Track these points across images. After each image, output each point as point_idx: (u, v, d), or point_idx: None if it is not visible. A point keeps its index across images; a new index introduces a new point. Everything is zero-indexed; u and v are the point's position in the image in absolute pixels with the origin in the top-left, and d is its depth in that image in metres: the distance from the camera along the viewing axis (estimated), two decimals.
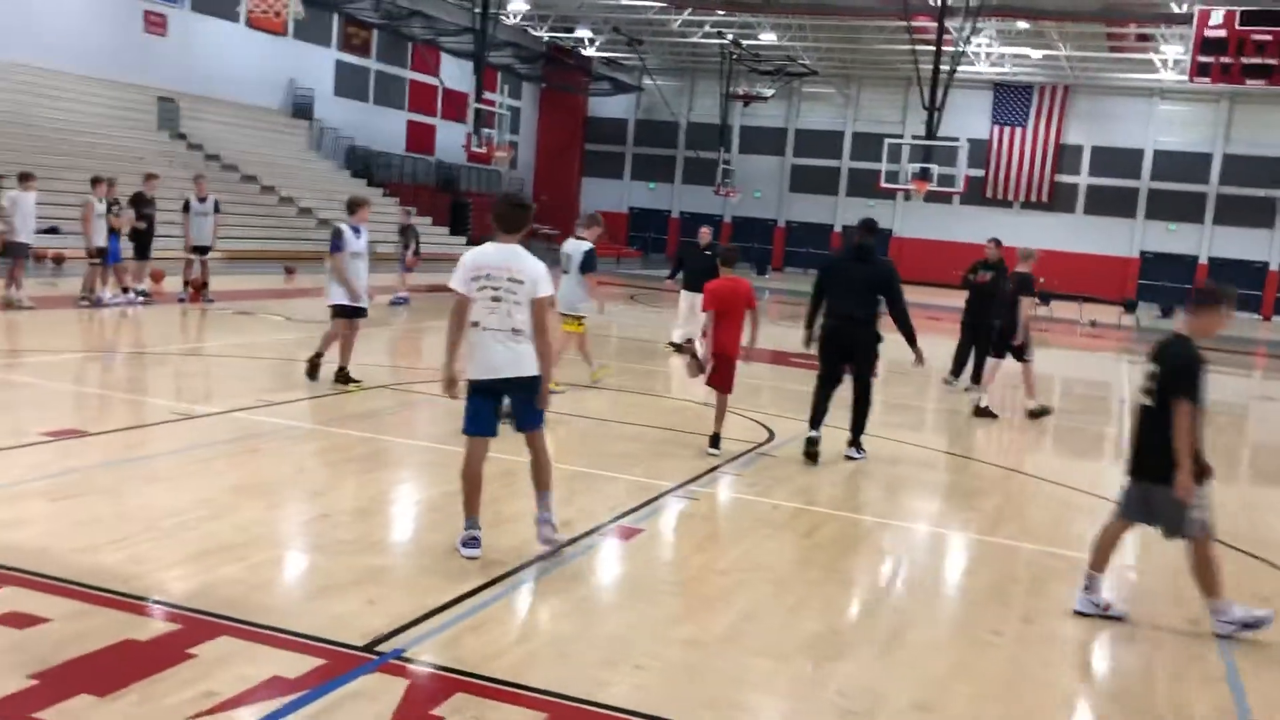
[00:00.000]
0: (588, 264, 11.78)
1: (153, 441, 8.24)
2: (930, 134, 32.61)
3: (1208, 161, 47.89)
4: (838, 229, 52.56)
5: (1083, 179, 49.63)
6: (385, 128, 44.39)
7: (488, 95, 33.51)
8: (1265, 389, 21.33)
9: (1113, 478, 9.37)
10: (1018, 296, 12.78)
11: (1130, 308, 37.20)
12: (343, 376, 10.91)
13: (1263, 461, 13.14)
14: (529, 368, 6.11)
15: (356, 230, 10.78)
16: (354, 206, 11.03)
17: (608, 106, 55.78)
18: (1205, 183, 47.98)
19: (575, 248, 11.83)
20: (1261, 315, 46.80)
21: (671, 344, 16.57)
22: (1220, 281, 6.25)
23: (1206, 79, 29.21)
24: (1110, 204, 49.18)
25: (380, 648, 4.80)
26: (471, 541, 6.13)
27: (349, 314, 10.92)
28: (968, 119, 49.73)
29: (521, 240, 6.22)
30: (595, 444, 9.59)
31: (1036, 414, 13.02)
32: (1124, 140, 48.76)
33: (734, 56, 45.88)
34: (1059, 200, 49.74)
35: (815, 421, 9.49)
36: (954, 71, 34.25)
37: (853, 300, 9.38)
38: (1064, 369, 21.23)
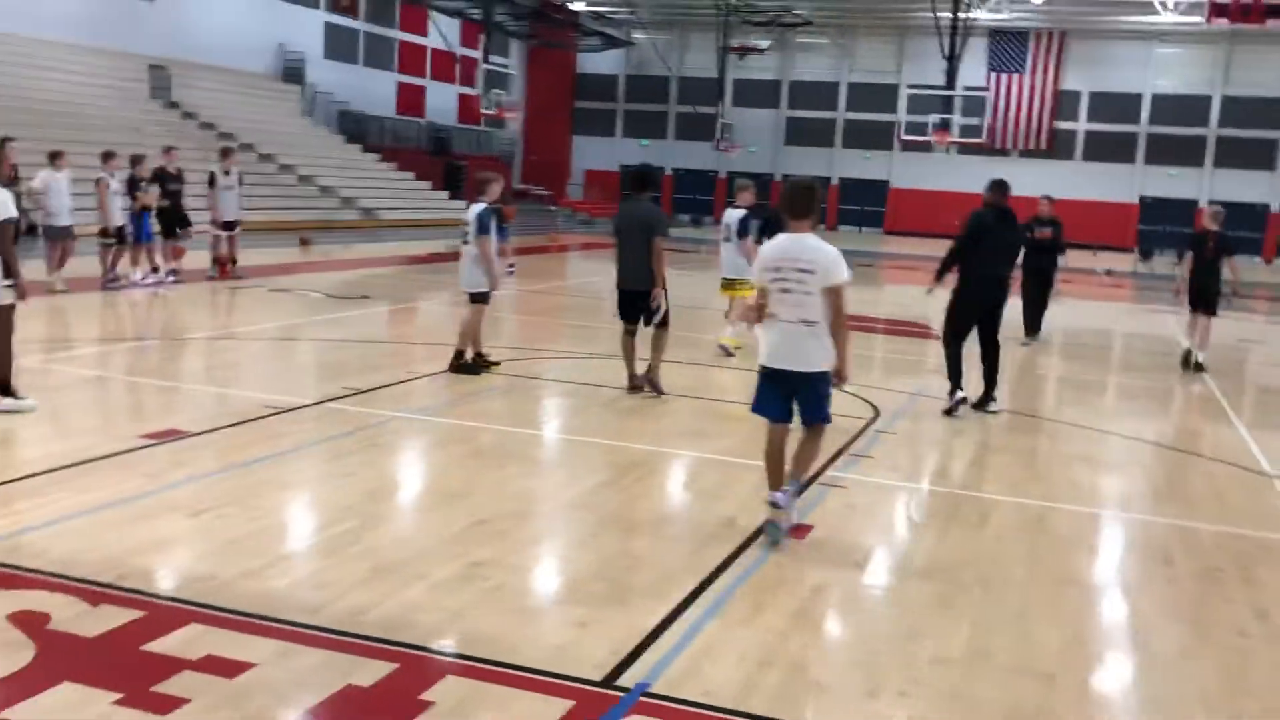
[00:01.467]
0: (743, 229, 12.38)
1: (259, 440, 7.73)
2: (950, 84, 32.02)
3: (1207, 104, 47.53)
4: (835, 181, 52.02)
5: (1081, 125, 49.20)
6: (376, 90, 43.45)
7: (476, 54, 32.58)
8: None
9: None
10: (1222, 255, 13.65)
11: (1146, 255, 36.88)
12: (481, 362, 10.54)
13: None
14: (815, 363, 6.00)
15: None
16: (485, 185, 10.42)
17: (598, 62, 54.86)
18: (1205, 126, 47.64)
19: (732, 216, 12.59)
20: (1263, 258, 46.67)
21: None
22: None
23: (1224, 19, 28.75)
24: (1109, 150, 48.77)
25: (620, 682, 4.36)
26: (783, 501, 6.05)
27: (486, 299, 10.48)
28: (965, 68, 49.13)
29: (812, 225, 6.07)
30: (715, 424, 9.17)
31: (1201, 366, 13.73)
32: (1122, 85, 48.32)
33: (728, 8, 45.07)
34: (1058, 148, 49.29)
35: (957, 380, 9.91)
36: (968, 20, 33.62)
37: (1001, 260, 10.01)
38: (1121, 324, 20.89)
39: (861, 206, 52.32)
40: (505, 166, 52.65)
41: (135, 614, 4.70)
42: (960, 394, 9.92)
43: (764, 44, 48.53)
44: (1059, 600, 5.65)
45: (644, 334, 9.94)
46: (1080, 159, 49.10)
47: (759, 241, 10.32)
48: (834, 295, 5.92)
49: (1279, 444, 9.83)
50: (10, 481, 6.41)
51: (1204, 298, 13.80)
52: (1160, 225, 47.76)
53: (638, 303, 9.94)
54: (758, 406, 6.21)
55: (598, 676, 4.40)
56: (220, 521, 5.98)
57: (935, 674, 4.64)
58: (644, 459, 7.96)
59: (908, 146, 50.79)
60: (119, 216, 15.28)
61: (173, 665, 4.26)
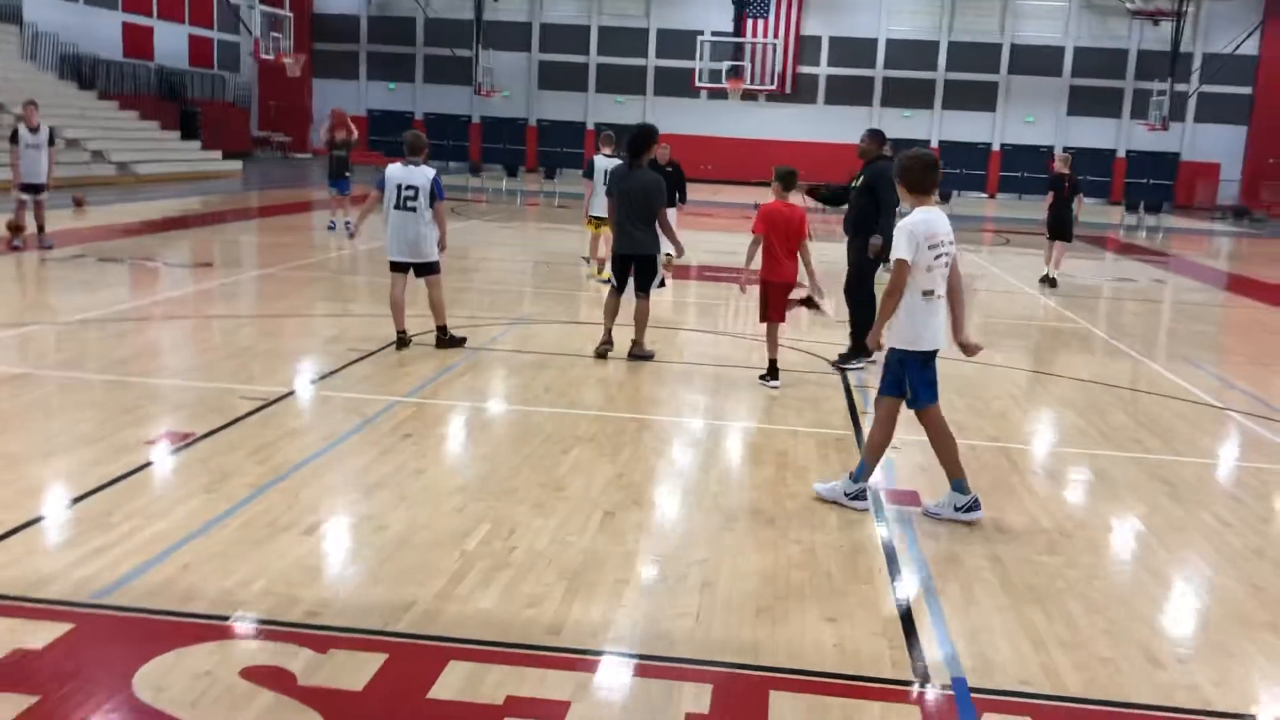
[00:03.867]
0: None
1: (281, 437, 6.98)
2: (738, 31, 32.45)
3: (936, 49, 50.45)
4: (590, 126, 51.97)
5: (822, 70, 51.15)
6: (100, 30, 39.69)
7: None
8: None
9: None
10: (1075, 193, 17.52)
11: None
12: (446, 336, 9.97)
13: None
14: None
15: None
16: (421, 147, 9.62)
17: (336, 2, 52.26)
18: (934, 70, 50.59)
19: (608, 163, 12.81)
20: (987, 193, 50.34)
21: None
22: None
23: None
24: (849, 93, 51.02)
25: (938, 681, 4.26)
26: (977, 505, 6.00)
27: (439, 269, 10.03)
28: (713, 11, 50.15)
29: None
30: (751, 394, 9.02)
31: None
32: (859, 30, 50.53)
33: None
34: (801, 91, 51.10)
35: None
36: None
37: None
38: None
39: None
40: (242, 111, 49.63)
41: (377, 656, 4.17)
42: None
43: None
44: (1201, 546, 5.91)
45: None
46: (822, 103, 51.07)
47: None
48: (956, 268, 6.05)
49: (1191, 375, 10.61)
50: (59, 511, 5.53)
51: (1060, 228, 17.51)
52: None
53: (630, 267, 9.70)
54: (930, 393, 6.02)
55: (914, 678, 4.26)
56: (345, 536, 5.40)
57: (1202, 635, 4.77)
58: (710, 434, 7.73)
59: (660, 91, 51.48)
60: None
61: (487, 715, 3.81)
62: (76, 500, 5.67)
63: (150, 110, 37.79)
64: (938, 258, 5.82)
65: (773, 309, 9.08)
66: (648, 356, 9.80)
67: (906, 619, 4.76)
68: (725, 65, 46.40)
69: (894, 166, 6.08)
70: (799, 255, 9.05)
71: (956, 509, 5.94)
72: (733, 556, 5.39)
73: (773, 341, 9.14)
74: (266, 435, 7.01)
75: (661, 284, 9.64)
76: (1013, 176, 50.48)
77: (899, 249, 5.80)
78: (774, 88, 46.27)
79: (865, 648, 4.47)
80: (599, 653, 4.31)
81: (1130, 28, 48.70)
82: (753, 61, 46.36)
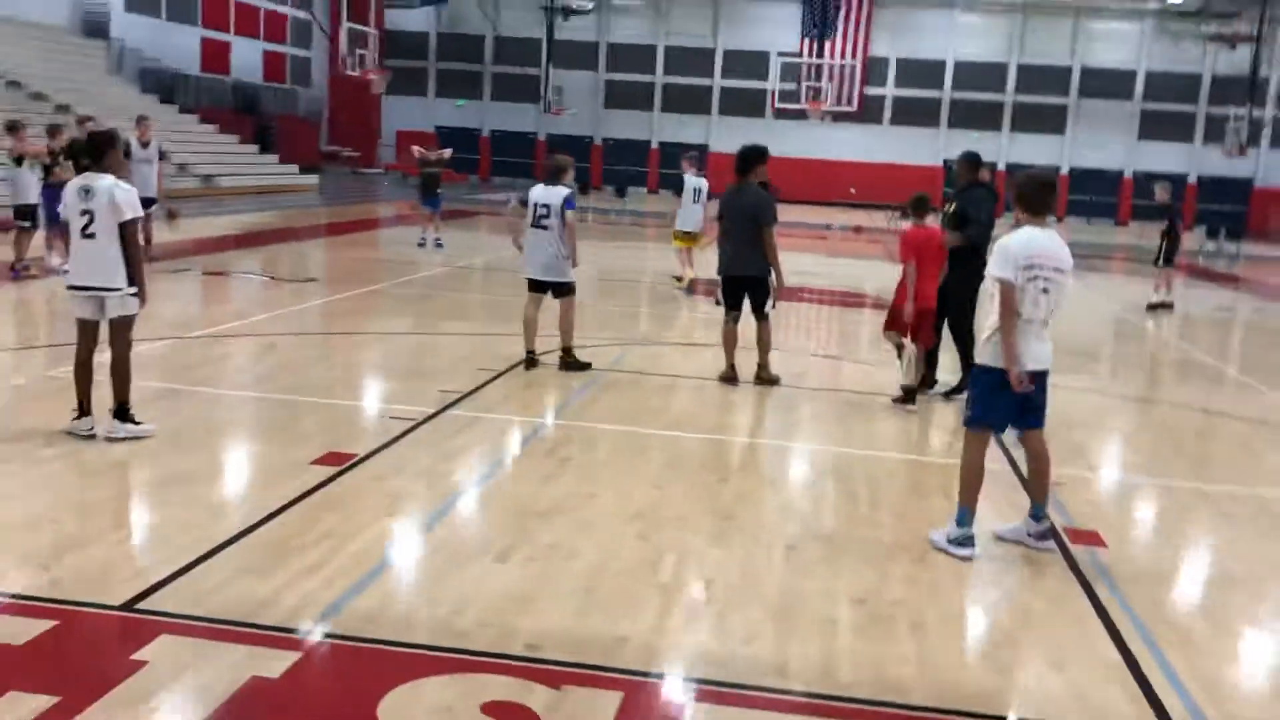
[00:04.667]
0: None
1: (443, 462, 6.96)
2: (819, 50, 32.38)
3: (1004, 71, 50.11)
4: (654, 145, 52.13)
5: (889, 90, 50.92)
6: (181, 45, 40.36)
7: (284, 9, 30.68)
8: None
9: None
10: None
11: (905, 213, 38.54)
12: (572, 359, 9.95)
13: None
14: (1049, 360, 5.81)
15: None
16: (561, 171, 9.69)
17: (408, 19, 52.79)
18: (1002, 92, 50.23)
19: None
20: (1056, 216, 49.77)
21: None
22: None
23: None
24: (915, 114, 50.75)
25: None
26: (969, 541, 5.75)
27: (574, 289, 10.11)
28: (776, 33, 50.18)
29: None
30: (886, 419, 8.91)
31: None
32: (927, 52, 50.29)
33: None
34: (868, 111, 50.88)
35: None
36: None
37: None
38: None
39: (679, 171, 52.51)
40: (312, 126, 50.22)
41: (612, 694, 4.11)
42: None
43: (589, 5, 47.91)
44: None
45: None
46: (888, 124, 50.83)
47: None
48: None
49: None
50: (249, 533, 5.52)
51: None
52: None
53: (744, 289, 9.59)
54: (981, 414, 5.85)
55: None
56: (538, 564, 5.33)
57: None
58: (861, 463, 7.63)
59: (725, 111, 51.53)
60: (33, 194, 13.57)
61: None
62: (263, 521, 5.66)
63: (228, 124, 38.33)
64: (1031, 279, 5.56)
65: (924, 333, 9.01)
66: (775, 381, 9.70)
67: (1138, 673, 4.61)
68: (794, 85, 46.39)
69: (1012, 186, 5.86)
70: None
71: (950, 540, 5.75)
72: (930, 596, 5.27)
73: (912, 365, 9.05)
74: (427, 457, 7.00)
75: (773, 307, 9.52)
76: (1080, 200, 49.92)
77: (994, 267, 5.63)
78: (854, 109, 46.10)
79: (1098, 696, 4.34)
80: (834, 698, 4.21)
81: (1205, 52, 48.05)
82: (819, 82, 46.25)
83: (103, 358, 6.90)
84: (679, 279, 16.29)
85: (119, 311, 6.90)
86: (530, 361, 9.75)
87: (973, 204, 9.34)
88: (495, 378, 9.42)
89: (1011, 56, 49.78)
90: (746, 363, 9.79)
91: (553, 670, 4.27)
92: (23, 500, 5.77)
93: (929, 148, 50.83)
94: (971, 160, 9.69)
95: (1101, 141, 49.47)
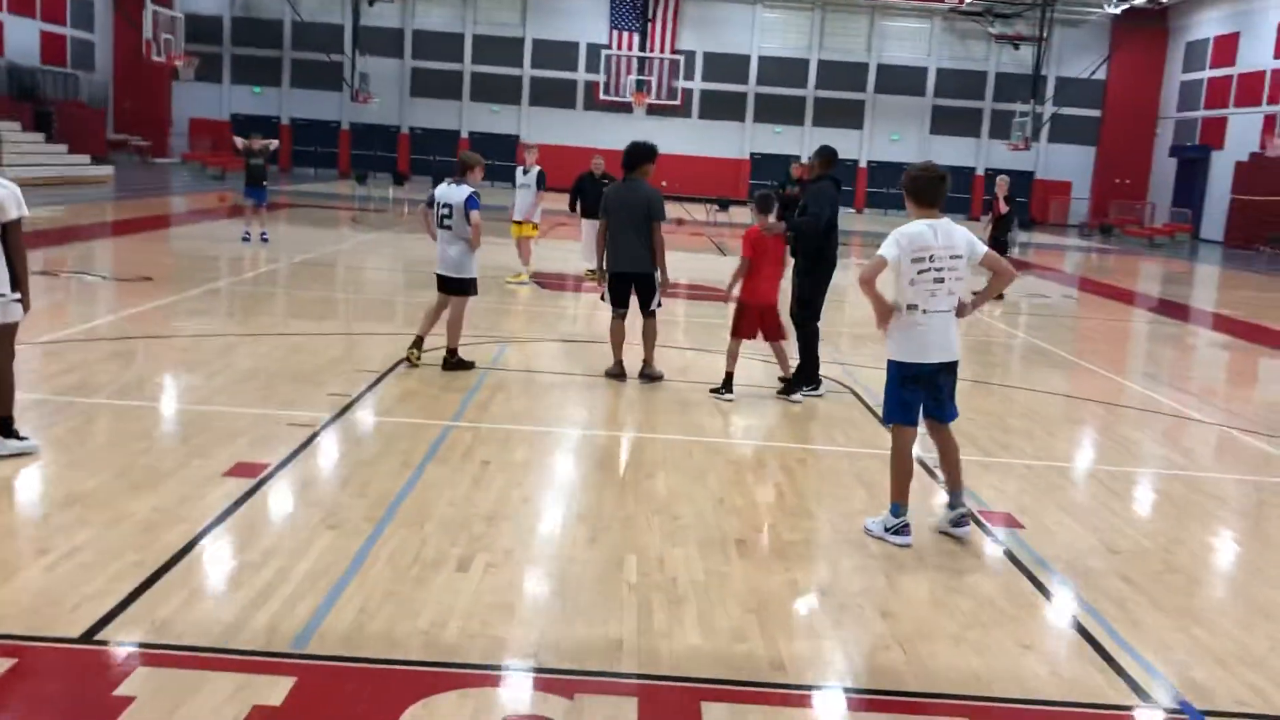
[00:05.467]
0: (540, 183, 16.01)
1: (362, 468, 6.74)
2: (644, 45, 32.53)
3: (805, 66, 51.69)
4: (464, 135, 51.54)
5: (697, 84, 51.78)
6: None
7: None
8: None
9: None
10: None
11: (724, 205, 39.54)
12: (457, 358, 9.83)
13: None
14: (958, 350, 6.04)
15: None
16: (470, 167, 9.54)
17: (200, 2, 50.41)
18: (804, 87, 51.82)
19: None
20: (854, 208, 51.77)
21: (590, 271, 16.94)
22: None
23: None
24: (722, 108, 51.80)
25: (1161, 704, 4.42)
26: (905, 529, 5.97)
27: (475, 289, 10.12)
28: (585, 24, 50.36)
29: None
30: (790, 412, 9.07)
31: None
32: (732, 47, 51.38)
33: None
34: (662, 105, 51.56)
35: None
36: None
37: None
38: None
39: (494, 160, 52.01)
40: (96, 112, 47.37)
41: (627, 700, 4.11)
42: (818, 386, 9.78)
43: None
44: None
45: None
46: (696, 117, 51.72)
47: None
48: (988, 261, 5.95)
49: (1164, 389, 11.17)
50: (185, 553, 5.23)
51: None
52: (769, 180, 51.52)
53: (630, 286, 9.63)
54: (900, 414, 6.00)
55: (1135, 700, 4.40)
56: (504, 571, 5.25)
57: None
58: (775, 456, 7.77)
59: (536, 101, 51.40)
60: None
61: None
62: (196, 540, 5.37)
63: (4, 110, 35.73)
64: (922, 272, 5.74)
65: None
66: (658, 377, 9.78)
67: (1094, 643, 4.89)
68: (603, 77, 46.71)
69: (903, 176, 6.04)
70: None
71: (887, 529, 5.99)
72: (890, 586, 5.44)
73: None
74: (343, 465, 6.78)
75: (659, 304, 9.60)
76: (878, 193, 52.02)
77: (883, 246, 5.84)
78: (678, 103, 46.63)
79: (1071, 673, 4.58)
80: (844, 689, 4.31)
81: (989, 51, 50.83)
82: (632, 74, 46.63)
83: None
84: (518, 276, 16.21)
85: (1, 320, 6.39)
86: (417, 343, 9.56)
87: (813, 197, 9.57)
88: (379, 379, 9.18)
89: (812, 52, 51.40)
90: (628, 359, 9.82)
91: (559, 680, 4.22)
92: None
93: (736, 141, 52.03)
94: (824, 155, 9.82)
95: (897, 136, 51.65)
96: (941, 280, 5.81)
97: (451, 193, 9.48)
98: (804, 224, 9.53)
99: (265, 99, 51.61)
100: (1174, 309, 20.30)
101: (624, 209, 9.45)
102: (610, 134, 49.46)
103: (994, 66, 51.04)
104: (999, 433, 8.81)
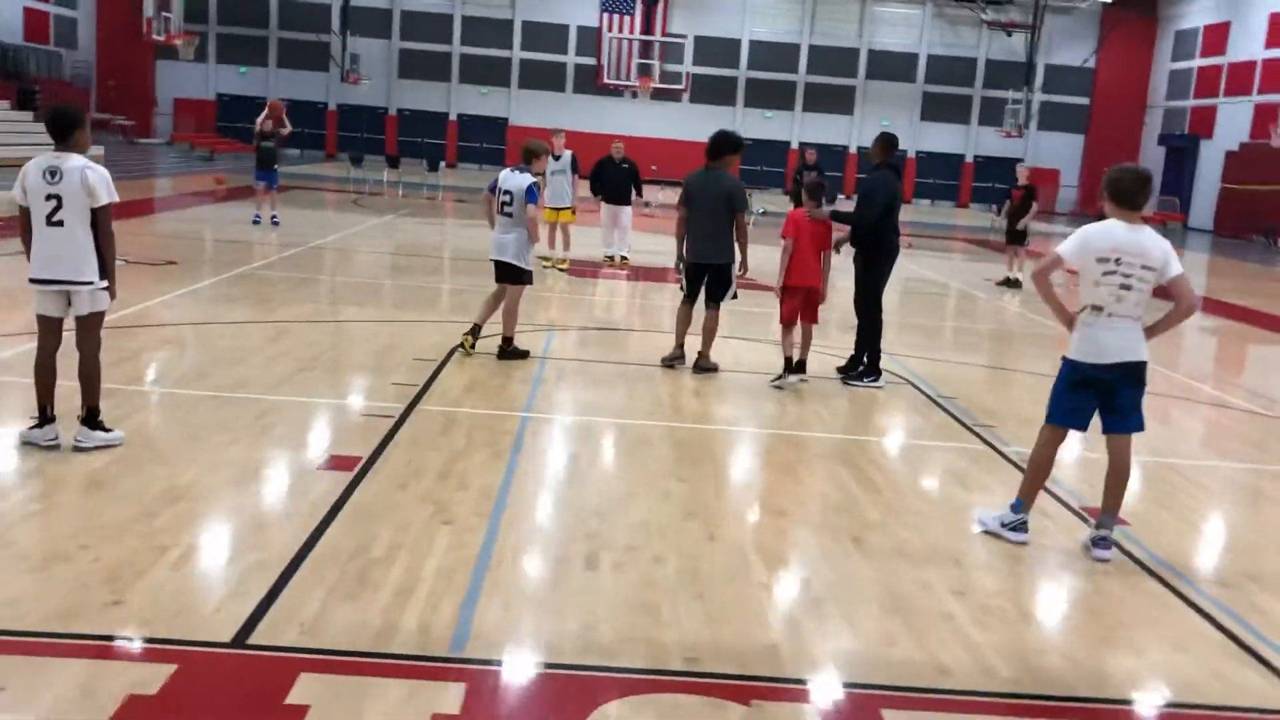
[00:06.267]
0: (574, 167, 16.10)
1: (455, 461, 6.58)
2: (648, 28, 32.26)
3: (796, 51, 51.54)
4: (453, 118, 51.21)
5: (687, 68, 51.50)
6: None
7: None
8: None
9: None
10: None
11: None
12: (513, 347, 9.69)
13: None
14: (1143, 350, 5.67)
15: None
16: (534, 156, 9.46)
17: None
18: (795, 72, 51.70)
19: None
20: (844, 194, 51.69)
21: (609, 257, 17.25)
22: None
23: None
24: (713, 92, 51.58)
25: None
26: (1023, 526, 5.87)
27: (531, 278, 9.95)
28: (575, 6, 50.03)
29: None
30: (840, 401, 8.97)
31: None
32: (723, 31, 51.15)
33: None
34: (663, 89, 51.34)
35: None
36: None
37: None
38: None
39: (481, 144, 51.84)
40: (80, 91, 46.69)
41: (801, 706, 4.01)
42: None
43: None
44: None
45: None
46: (688, 101, 51.47)
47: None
48: (1177, 285, 5.65)
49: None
50: (307, 551, 5.09)
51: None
52: (758, 165, 51.46)
53: (706, 276, 9.52)
54: (1058, 415, 5.84)
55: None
56: (635, 569, 5.13)
57: None
58: (847, 451, 7.68)
59: (525, 84, 51.08)
60: None
61: None
62: (315, 537, 5.23)
63: None
64: (1107, 274, 5.50)
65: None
66: (713, 369, 9.67)
67: (1240, 643, 4.83)
68: (593, 60, 46.40)
69: (1106, 176, 5.80)
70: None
71: (1004, 524, 5.90)
72: (1022, 587, 5.37)
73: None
74: (436, 458, 6.63)
75: (735, 295, 9.51)
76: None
77: (1063, 245, 5.66)
78: (682, 87, 46.36)
79: (1233, 675, 4.52)
80: (1004, 695, 4.23)
81: (980, 37, 50.82)
82: (629, 58, 46.37)
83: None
84: (550, 260, 16.03)
85: (89, 308, 6.22)
86: (474, 331, 9.42)
87: (867, 186, 9.54)
88: (439, 369, 9.03)
89: (803, 37, 51.21)
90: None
91: (731, 685, 4.12)
92: (28, 524, 5.14)
93: (726, 126, 51.72)
94: (885, 141, 9.77)
95: (887, 122, 51.61)
96: (1129, 288, 5.52)
97: (513, 179, 9.33)
98: (853, 218, 9.48)
99: (251, 79, 50.99)
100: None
101: (705, 199, 9.33)
102: (601, 118, 49.32)
103: (985, 53, 51.02)
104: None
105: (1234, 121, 42.84)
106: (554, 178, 15.94)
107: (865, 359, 9.63)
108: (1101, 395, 5.68)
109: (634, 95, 49.22)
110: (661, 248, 20.36)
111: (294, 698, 3.78)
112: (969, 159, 51.74)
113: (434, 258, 17.84)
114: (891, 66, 51.39)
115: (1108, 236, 5.57)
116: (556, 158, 15.89)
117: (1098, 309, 5.62)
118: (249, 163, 21.66)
